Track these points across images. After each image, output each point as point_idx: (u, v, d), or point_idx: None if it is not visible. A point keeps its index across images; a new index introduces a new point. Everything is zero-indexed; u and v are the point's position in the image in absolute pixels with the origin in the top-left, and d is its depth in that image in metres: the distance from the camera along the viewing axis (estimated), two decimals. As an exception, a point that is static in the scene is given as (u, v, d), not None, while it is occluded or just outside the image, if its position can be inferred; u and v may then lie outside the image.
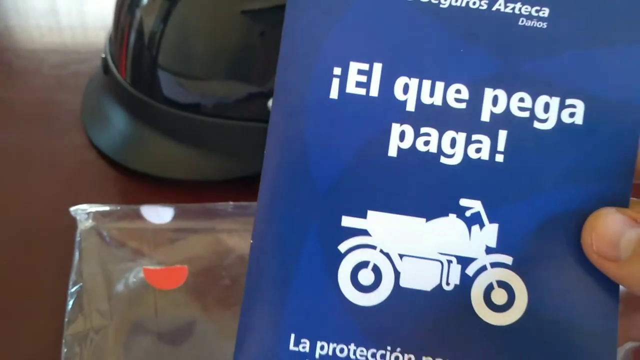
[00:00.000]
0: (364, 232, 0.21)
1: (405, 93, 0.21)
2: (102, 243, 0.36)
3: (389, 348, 0.21)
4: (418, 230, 0.21)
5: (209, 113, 0.42)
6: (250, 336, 0.21)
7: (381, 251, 0.21)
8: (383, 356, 0.21)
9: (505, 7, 0.21)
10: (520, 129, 0.21)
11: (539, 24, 0.21)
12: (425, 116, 0.21)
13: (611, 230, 0.20)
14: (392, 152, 0.21)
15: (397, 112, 0.21)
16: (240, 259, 0.37)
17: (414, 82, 0.21)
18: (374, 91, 0.21)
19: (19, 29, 0.63)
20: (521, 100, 0.21)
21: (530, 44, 0.21)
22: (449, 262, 0.21)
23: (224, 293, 0.35)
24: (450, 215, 0.21)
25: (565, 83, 0.21)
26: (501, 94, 0.21)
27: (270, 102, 0.39)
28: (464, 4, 0.21)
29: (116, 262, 0.36)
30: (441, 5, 0.21)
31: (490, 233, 0.21)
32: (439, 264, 0.21)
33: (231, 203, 0.40)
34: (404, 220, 0.21)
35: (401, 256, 0.21)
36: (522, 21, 0.21)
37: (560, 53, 0.21)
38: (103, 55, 0.48)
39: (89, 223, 0.37)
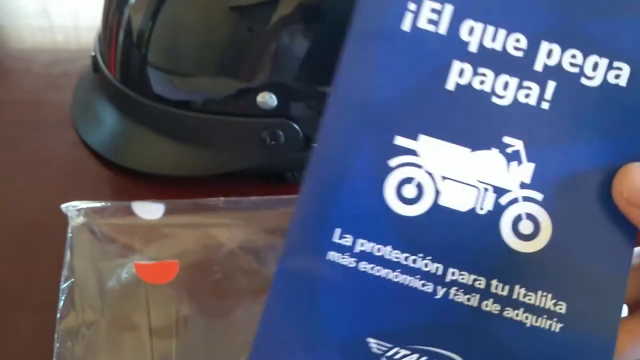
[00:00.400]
0: (413, 153, 0.23)
1: (470, 35, 0.23)
2: (94, 239, 0.37)
3: (420, 255, 0.23)
4: (462, 158, 0.23)
5: (198, 109, 0.42)
6: (302, 225, 0.23)
7: (426, 171, 0.23)
8: (414, 261, 0.23)
9: None
10: (568, 82, 0.23)
11: None
12: (484, 58, 0.23)
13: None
14: (450, 85, 0.23)
15: (460, 50, 0.23)
16: (231, 253, 0.37)
17: (479, 26, 0.23)
18: (443, 29, 0.23)
19: (9, 29, 0.63)
20: (573, 56, 0.23)
21: (590, 3, 0.23)
22: (485, 190, 0.23)
23: (215, 287, 0.36)
24: (492, 149, 0.23)
25: (616, 46, 0.23)
26: (556, 48, 0.23)
27: (259, 97, 0.40)
28: None
29: (108, 258, 0.36)
30: None
31: (526, 170, 0.23)
32: (476, 190, 0.23)
33: (222, 198, 0.41)
34: (451, 148, 0.23)
35: (443, 178, 0.23)
36: None
37: (615, 17, 0.23)
38: (92, 54, 0.48)
39: (80, 219, 0.37)
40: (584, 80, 0.23)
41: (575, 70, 0.23)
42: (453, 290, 0.23)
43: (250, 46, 0.40)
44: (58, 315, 0.33)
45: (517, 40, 0.23)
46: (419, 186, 0.23)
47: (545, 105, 0.23)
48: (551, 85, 0.23)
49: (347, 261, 0.23)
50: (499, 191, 0.23)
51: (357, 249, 0.23)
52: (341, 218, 0.23)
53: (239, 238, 0.38)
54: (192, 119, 0.42)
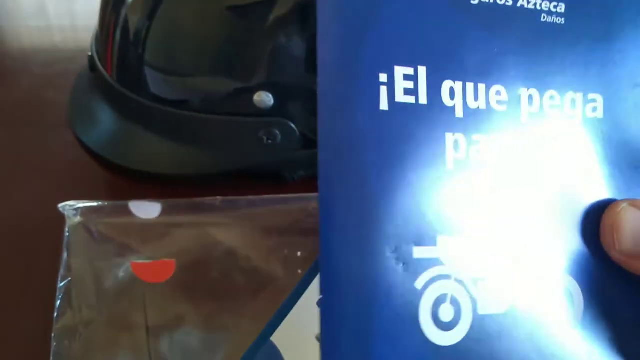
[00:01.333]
0: (437, 262, 0.19)
1: (452, 98, 0.20)
2: (91, 238, 0.37)
3: None
4: (486, 247, 0.20)
5: (195, 109, 0.42)
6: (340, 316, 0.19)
7: (456, 279, 0.20)
8: None
9: (528, 2, 0.21)
10: (554, 121, 0.21)
11: (558, 20, 0.21)
12: (474, 122, 0.20)
13: (634, 228, 0.19)
14: (450, 164, 0.20)
15: (448, 120, 0.20)
16: (228, 252, 0.38)
17: (458, 86, 0.20)
18: (423, 98, 0.20)
19: (7, 29, 0.63)
20: (551, 97, 0.21)
21: (553, 41, 0.21)
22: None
23: (213, 286, 0.36)
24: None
25: (586, 78, 0.21)
26: (534, 93, 0.21)
27: (255, 97, 0.40)
28: (492, 0, 0.21)
29: (105, 257, 0.36)
30: (472, 2, 0.21)
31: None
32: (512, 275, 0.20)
33: (219, 198, 0.41)
34: (471, 241, 0.20)
35: (475, 281, 0.20)
36: (544, 18, 0.21)
37: (578, 51, 0.21)
38: (89, 53, 0.48)
39: (78, 219, 0.37)
40: (567, 119, 0.22)
41: (556, 112, 0.21)
42: None
43: (247, 46, 0.40)
44: (55, 314, 0.33)
45: (498, 93, 0.21)
46: (454, 302, 0.20)
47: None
48: (540, 130, 0.21)
49: None
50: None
51: None
52: None
53: (236, 237, 0.38)
54: (189, 119, 0.42)
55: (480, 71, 0.20)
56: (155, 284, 0.35)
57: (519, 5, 0.21)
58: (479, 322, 0.19)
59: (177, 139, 0.43)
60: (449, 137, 0.20)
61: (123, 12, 0.43)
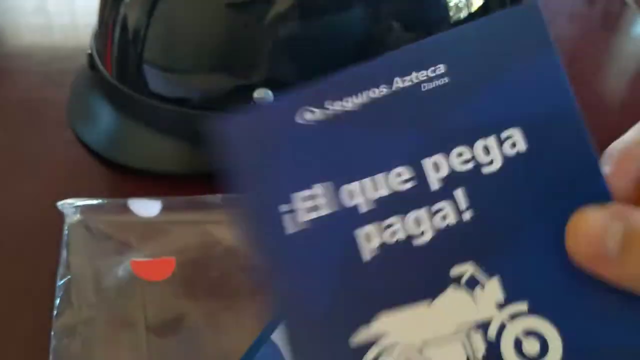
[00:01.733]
0: (381, 336, 0.20)
1: (352, 199, 0.21)
2: (90, 236, 0.37)
3: None
4: (425, 316, 0.20)
5: (195, 106, 0.42)
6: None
7: (404, 347, 0.20)
8: None
9: (403, 82, 0.21)
10: (471, 181, 0.21)
11: (441, 81, 0.21)
12: (380, 210, 0.21)
13: (593, 228, 0.19)
14: (367, 255, 0.21)
15: (354, 218, 0.21)
16: (228, 250, 0.37)
17: (355, 186, 0.21)
18: (326, 209, 0.21)
19: (6, 27, 0.63)
20: (460, 154, 0.21)
21: (441, 102, 0.21)
22: (467, 335, 0.20)
23: (212, 284, 0.36)
24: (448, 289, 0.20)
25: (491, 120, 0.21)
26: (439, 158, 0.21)
27: (255, 93, 0.40)
28: (367, 99, 0.21)
29: (104, 255, 0.36)
30: (347, 110, 0.21)
31: (493, 288, 0.20)
32: (459, 341, 0.20)
33: (219, 195, 0.40)
34: (409, 312, 0.20)
35: (421, 350, 0.20)
36: (424, 87, 0.21)
37: (473, 96, 0.21)
38: (88, 51, 0.48)
39: (77, 217, 0.37)
40: (485, 170, 0.21)
41: (470, 165, 0.21)
42: None
43: (246, 42, 0.40)
44: (55, 312, 0.33)
45: (399, 175, 0.21)
46: None
47: (467, 216, 0.21)
48: (459, 194, 0.21)
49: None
50: (482, 326, 0.20)
51: None
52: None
53: (236, 235, 0.38)
54: (189, 116, 0.42)
55: (373, 165, 0.21)
56: (154, 282, 0.35)
57: (394, 89, 0.21)
58: None
59: (176, 136, 0.43)
60: (359, 233, 0.21)
61: (122, 10, 0.43)
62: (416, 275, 0.21)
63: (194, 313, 0.34)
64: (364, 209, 0.21)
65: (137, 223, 0.38)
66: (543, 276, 0.20)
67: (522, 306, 0.20)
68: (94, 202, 0.38)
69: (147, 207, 0.39)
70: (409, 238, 0.21)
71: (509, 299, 0.20)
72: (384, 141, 0.21)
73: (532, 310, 0.20)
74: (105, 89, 0.46)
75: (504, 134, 0.21)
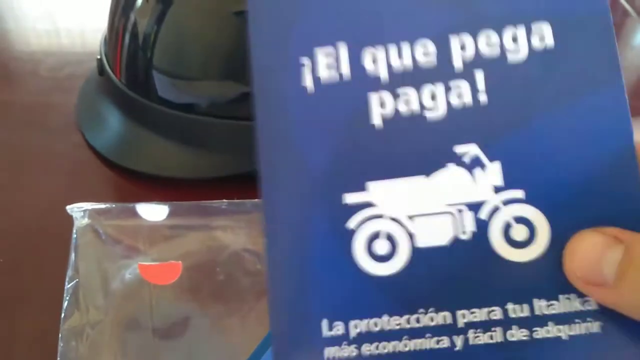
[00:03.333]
0: (369, 205, 0.21)
1: (374, 63, 0.21)
2: (98, 240, 0.37)
3: (421, 310, 0.20)
4: (421, 188, 0.21)
5: (202, 112, 0.42)
6: (284, 332, 0.21)
7: (390, 218, 0.21)
8: (418, 320, 0.20)
9: None
10: (495, 65, 0.21)
11: None
12: (399, 79, 0.21)
13: (592, 255, 0.19)
14: (377, 120, 0.21)
15: (371, 82, 0.21)
16: (234, 255, 0.38)
17: (380, 51, 0.21)
18: (346, 70, 0.21)
19: (14, 32, 0.64)
20: (488, 37, 0.21)
21: None
22: (459, 211, 0.21)
23: (218, 288, 0.36)
24: (448, 165, 0.21)
25: (525, 10, 0.21)
26: (467, 37, 0.21)
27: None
28: None
29: (112, 258, 0.36)
30: None
31: (494, 172, 0.21)
32: (450, 215, 0.21)
33: (225, 201, 0.41)
34: (405, 183, 0.21)
35: (411, 217, 0.21)
36: None
37: None
38: (98, 57, 0.49)
39: (85, 221, 0.38)
40: (510, 57, 0.21)
41: (496, 50, 0.21)
42: (471, 334, 0.20)
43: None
44: (62, 315, 0.33)
45: (424, 46, 0.21)
46: (390, 237, 0.21)
47: (482, 98, 0.21)
48: (480, 76, 0.21)
49: (348, 351, 0.20)
50: (475, 206, 0.21)
51: (353, 333, 0.21)
52: (322, 308, 0.21)
53: (242, 240, 0.39)
54: (197, 122, 0.42)
55: (401, 32, 0.21)
56: (161, 285, 0.35)
57: None
58: (418, 253, 0.21)
59: (184, 142, 0.44)
60: (373, 97, 0.21)
61: (132, 16, 0.43)
62: (421, 146, 0.21)
63: (199, 316, 0.35)
64: (382, 74, 0.21)
65: (145, 227, 0.38)
66: (543, 169, 0.20)
67: (518, 194, 0.21)
68: (103, 206, 0.39)
69: (154, 212, 0.39)
70: (421, 110, 0.21)
71: (506, 185, 0.21)
72: (415, 11, 0.21)
73: (527, 199, 0.21)
74: (114, 94, 0.47)
75: (534, 26, 0.21)
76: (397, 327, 0.20)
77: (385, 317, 0.20)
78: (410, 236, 0.21)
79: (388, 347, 0.20)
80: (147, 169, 0.45)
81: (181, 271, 0.36)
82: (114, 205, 0.39)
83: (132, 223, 0.39)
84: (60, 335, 0.33)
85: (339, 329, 0.21)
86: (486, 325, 0.20)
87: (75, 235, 0.37)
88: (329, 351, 0.21)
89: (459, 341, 0.20)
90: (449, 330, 0.20)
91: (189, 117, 0.43)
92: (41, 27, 0.64)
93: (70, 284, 0.35)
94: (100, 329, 0.33)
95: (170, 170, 0.44)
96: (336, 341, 0.21)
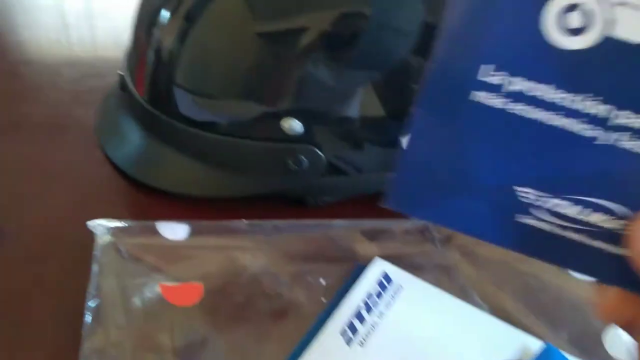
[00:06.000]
0: None
1: None
2: (119, 258, 0.37)
3: (589, 95, 0.20)
4: None
5: (223, 132, 0.43)
6: (443, 62, 0.21)
7: None
8: (579, 102, 0.20)
9: None
10: None
11: None
12: None
13: None
14: None
15: None
16: (253, 277, 0.38)
17: None
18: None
19: (31, 43, 0.64)
20: None
21: None
22: None
23: (237, 311, 0.36)
24: None
25: None
26: None
27: (283, 123, 0.40)
28: None
29: (133, 276, 0.37)
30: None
31: None
32: None
33: (244, 221, 0.41)
34: None
35: (618, 4, 0.19)
36: None
37: None
38: (120, 72, 0.49)
39: (107, 238, 0.38)
40: None
41: None
42: (618, 135, 0.20)
43: (276, 72, 0.41)
44: (84, 333, 0.33)
45: None
46: (586, 14, 0.20)
47: None
48: None
49: (497, 101, 0.21)
50: None
51: (510, 88, 0.20)
52: (491, 53, 0.20)
53: (261, 262, 0.39)
54: (218, 142, 0.43)
55: None
56: (182, 307, 0.36)
57: None
58: (608, 41, 0.20)
59: (204, 160, 0.44)
60: None
61: (157, 33, 0.44)
62: None
63: (219, 339, 0.35)
64: None
65: (165, 246, 0.39)
66: None
67: None
68: (124, 224, 0.39)
69: (175, 231, 0.40)
70: None
71: None
72: None
73: None
74: (135, 110, 0.47)
75: None
76: (558, 100, 0.20)
77: (550, 87, 0.20)
78: (608, 22, 0.20)
79: (538, 114, 0.20)
80: (166, 186, 0.45)
81: (202, 293, 0.36)
82: (134, 223, 0.39)
83: (153, 241, 0.39)
84: (81, 354, 0.33)
85: (499, 78, 0.20)
86: (636, 133, 0.20)
87: (97, 252, 0.37)
88: (479, 95, 0.21)
89: (604, 136, 0.20)
90: (601, 123, 0.20)
91: (210, 135, 0.43)
92: (61, 38, 0.65)
93: (92, 302, 0.35)
94: (121, 348, 0.33)
95: (190, 188, 0.44)
96: (490, 88, 0.21)
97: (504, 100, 0.21)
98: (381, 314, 0.37)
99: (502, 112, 0.21)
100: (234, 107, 0.42)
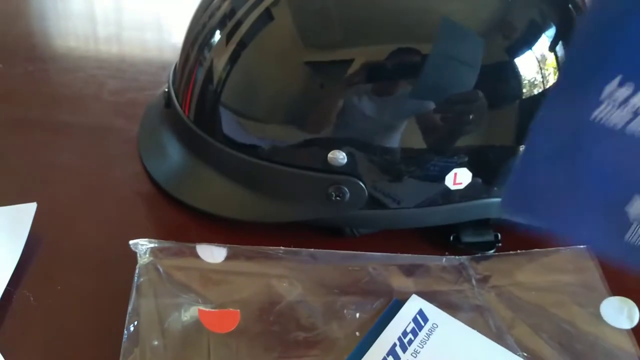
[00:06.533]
0: None
1: None
2: (159, 279, 0.37)
3: None
4: None
5: (265, 156, 0.43)
6: (573, 69, 0.21)
7: None
8: None
9: None
10: None
11: None
12: None
13: None
14: None
15: None
16: (288, 306, 0.38)
17: None
18: None
19: (78, 53, 0.65)
20: None
21: None
22: None
23: (272, 340, 0.36)
24: None
25: None
26: None
27: (329, 154, 0.40)
28: None
29: (170, 297, 0.37)
30: None
31: None
32: None
33: (281, 248, 0.41)
34: None
35: None
36: None
37: None
38: (166, 89, 0.49)
39: (147, 258, 0.38)
40: None
41: None
42: None
43: (320, 101, 0.41)
44: (122, 353, 0.33)
45: None
46: None
47: None
48: None
49: (622, 115, 0.20)
50: None
51: (633, 101, 0.20)
52: (617, 69, 0.20)
53: (297, 291, 0.39)
54: (259, 166, 0.43)
55: None
56: (220, 333, 0.36)
57: None
58: None
59: (245, 184, 0.44)
60: None
61: (207, 56, 0.44)
62: None
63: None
64: None
65: (203, 269, 0.39)
66: None
67: None
68: (164, 244, 0.39)
69: (213, 254, 0.40)
70: None
71: None
72: None
73: None
74: (179, 128, 0.47)
75: None
76: None
77: None
78: None
79: None
80: (205, 206, 0.45)
81: (239, 320, 0.36)
82: (174, 244, 0.40)
83: (191, 264, 0.39)
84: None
85: (627, 89, 0.20)
86: None
87: (137, 271, 0.37)
88: (603, 108, 0.21)
89: None
90: None
91: (252, 160, 0.43)
92: (106, 49, 0.66)
93: (130, 322, 0.35)
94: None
95: (228, 210, 0.44)
96: (616, 99, 0.20)
97: (633, 113, 0.20)
98: (416, 352, 0.36)
99: (630, 123, 0.20)
100: (278, 131, 0.43)
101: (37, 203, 0.42)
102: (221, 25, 0.44)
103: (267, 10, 0.42)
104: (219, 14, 0.45)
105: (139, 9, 0.74)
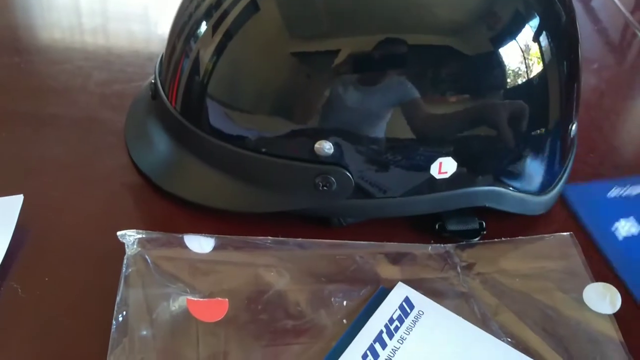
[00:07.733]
0: None
1: None
2: (147, 269, 0.38)
3: None
4: None
5: (252, 147, 0.43)
6: None
7: None
8: None
9: None
10: None
11: None
12: None
13: None
14: None
15: None
16: (277, 295, 0.38)
17: None
18: None
19: (64, 44, 0.65)
20: None
21: None
22: None
23: (261, 328, 0.36)
24: None
25: None
26: None
27: (316, 144, 0.41)
28: None
29: (158, 288, 0.37)
30: None
31: None
32: None
33: (269, 238, 0.42)
34: None
35: None
36: None
37: None
38: (152, 80, 0.49)
39: (135, 249, 0.38)
40: None
41: None
42: None
43: (307, 91, 0.41)
44: (110, 343, 0.34)
45: None
46: None
47: None
48: None
49: None
50: None
51: None
52: None
53: (285, 280, 0.39)
54: (246, 157, 0.43)
55: None
56: (208, 322, 0.36)
57: None
58: None
59: (232, 174, 0.44)
60: None
61: (193, 47, 0.44)
62: None
63: (241, 354, 0.35)
64: None
65: (191, 259, 0.39)
66: None
67: None
68: (152, 235, 0.39)
69: (201, 244, 0.40)
70: None
71: None
72: None
73: None
74: (165, 119, 0.47)
75: None
76: None
77: None
78: None
79: None
80: (192, 197, 0.45)
81: (228, 309, 0.37)
82: (161, 235, 0.40)
83: (178, 254, 0.39)
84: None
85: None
86: None
87: (125, 263, 0.37)
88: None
89: None
90: None
91: (238, 151, 0.43)
92: (92, 41, 0.65)
93: (118, 313, 0.35)
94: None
95: (215, 200, 0.45)
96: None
97: None
98: (402, 339, 0.37)
99: None
100: (264, 122, 0.43)
101: (24, 195, 0.42)
102: (207, 16, 0.44)
103: (253, 1, 0.42)
104: (205, 5, 0.44)
105: (124, 1, 0.74)
